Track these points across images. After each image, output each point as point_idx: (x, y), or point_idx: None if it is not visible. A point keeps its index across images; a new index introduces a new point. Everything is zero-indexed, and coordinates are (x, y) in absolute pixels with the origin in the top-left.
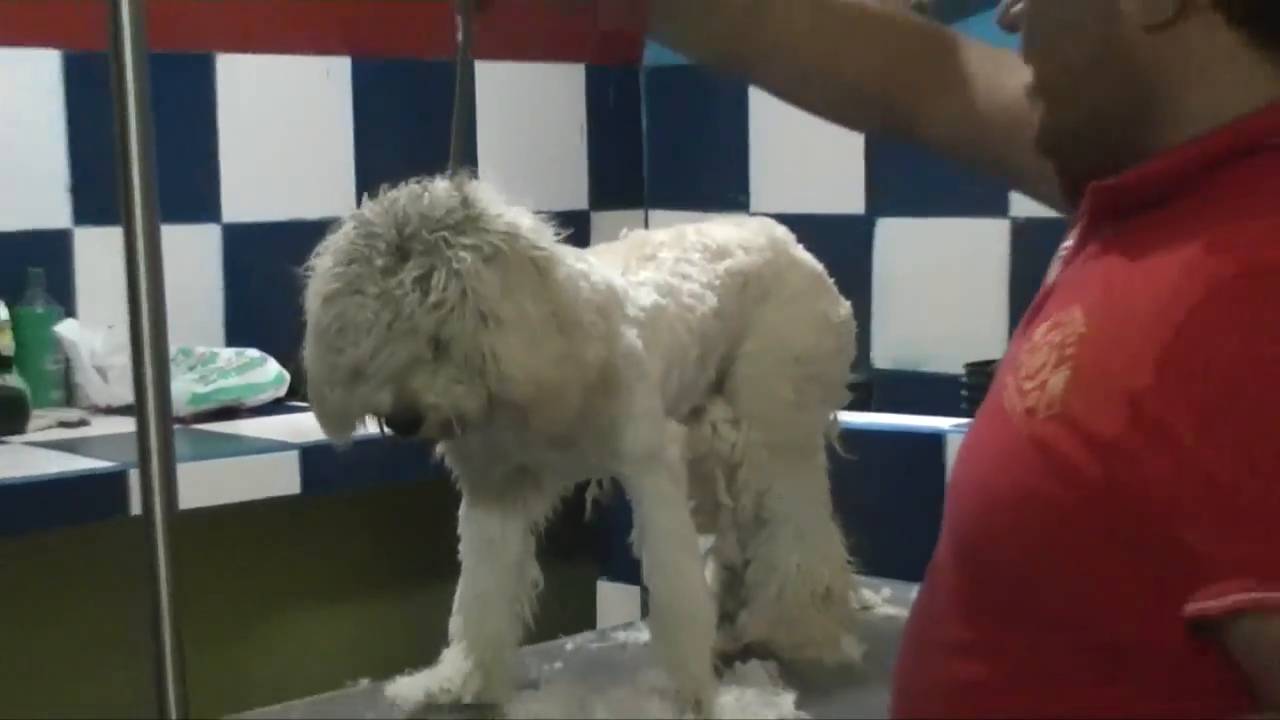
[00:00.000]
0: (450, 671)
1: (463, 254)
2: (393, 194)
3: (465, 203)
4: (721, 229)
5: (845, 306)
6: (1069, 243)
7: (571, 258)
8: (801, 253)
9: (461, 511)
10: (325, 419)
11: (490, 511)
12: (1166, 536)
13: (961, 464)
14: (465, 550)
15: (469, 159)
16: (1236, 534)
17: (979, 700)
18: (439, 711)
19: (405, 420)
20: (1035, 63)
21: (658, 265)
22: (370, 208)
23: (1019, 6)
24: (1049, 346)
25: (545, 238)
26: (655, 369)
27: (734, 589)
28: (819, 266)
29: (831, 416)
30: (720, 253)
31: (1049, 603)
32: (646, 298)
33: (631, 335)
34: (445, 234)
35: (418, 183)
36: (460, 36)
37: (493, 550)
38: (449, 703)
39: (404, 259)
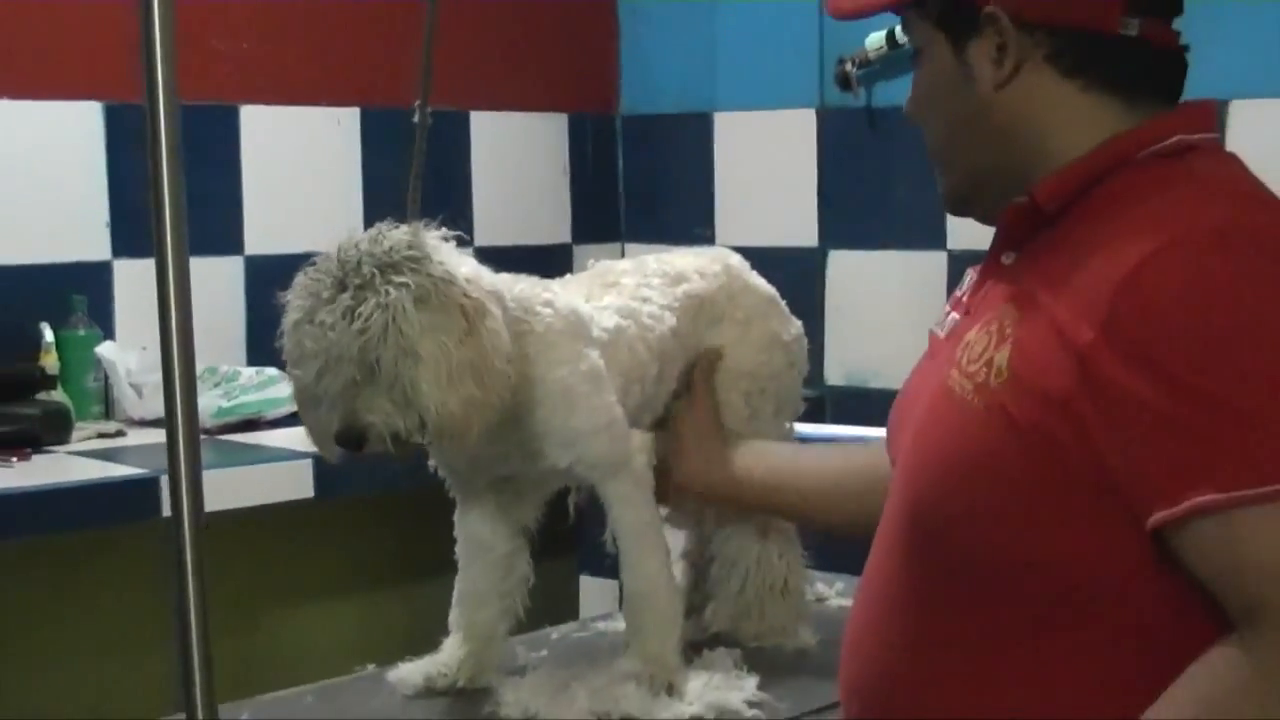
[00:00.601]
0: (447, 658)
1: (393, 290)
2: (355, 235)
3: (410, 245)
4: (680, 258)
5: (796, 326)
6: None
7: (540, 288)
8: (754, 278)
9: (456, 516)
10: (312, 439)
11: (481, 515)
12: (1120, 468)
13: (913, 447)
14: (460, 550)
15: (465, 200)
16: (1186, 454)
17: (931, 681)
18: (436, 694)
19: (350, 438)
20: (926, 140)
21: (619, 291)
22: (333, 246)
23: (910, 99)
24: (987, 335)
25: (479, 288)
26: (617, 384)
27: (700, 585)
28: (771, 290)
29: (788, 426)
30: (678, 278)
31: (1013, 553)
32: (609, 320)
33: (594, 356)
34: (383, 271)
35: (385, 225)
36: (418, 104)
37: (484, 550)
38: (445, 686)
39: (343, 291)
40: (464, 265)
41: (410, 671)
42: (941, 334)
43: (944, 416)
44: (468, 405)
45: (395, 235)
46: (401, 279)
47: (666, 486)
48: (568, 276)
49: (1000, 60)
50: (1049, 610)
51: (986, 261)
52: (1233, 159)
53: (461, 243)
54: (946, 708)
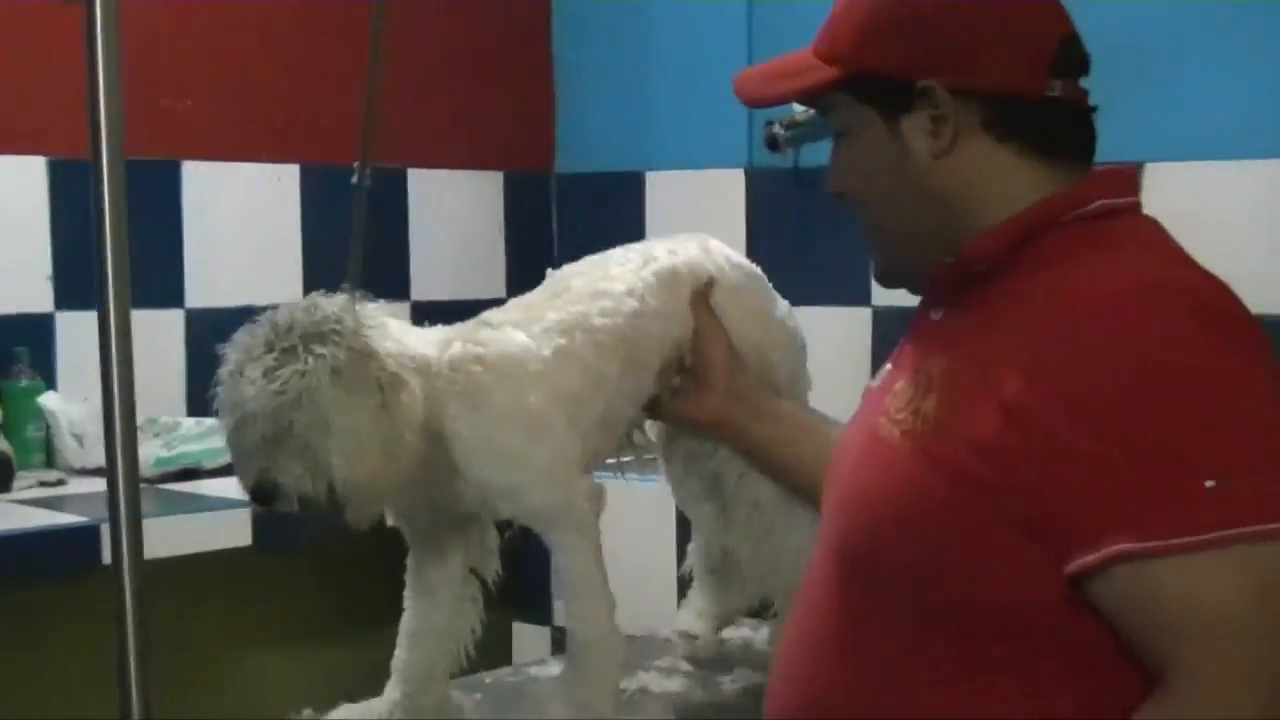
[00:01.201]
0: (383, 703)
1: (312, 360)
2: (297, 300)
3: (338, 318)
4: (651, 243)
5: (784, 304)
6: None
7: (474, 343)
8: (736, 255)
9: (409, 557)
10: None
11: (431, 557)
12: (1045, 514)
13: (842, 488)
14: (407, 591)
15: (403, 255)
16: (1106, 502)
17: (857, 704)
18: None
19: (260, 495)
20: (860, 216)
21: (568, 301)
22: (274, 310)
23: (832, 175)
24: (914, 385)
25: (399, 361)
26: (560, 421)
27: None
28: (756, 268)
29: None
30: (645, 260)
31: (939, 590)
32: (548, 347)
33: (531, 400)
34: (307, 340)
35: (323, 294)
36: (358, 165)
37: (430, 591)
38: None
39: (270, 352)
40: (393, 336)
41: (346, 713)
42: (874, 384)
43: (873, 460)
44: (374, 477)
45: (328, 305)
46: (322, 350)
47: (691, 421)
48: (521, 297)
49: (937, 131)
50: (975, 643)
51: (915, 317)
52: (1151, 223)
53: (398, 297)
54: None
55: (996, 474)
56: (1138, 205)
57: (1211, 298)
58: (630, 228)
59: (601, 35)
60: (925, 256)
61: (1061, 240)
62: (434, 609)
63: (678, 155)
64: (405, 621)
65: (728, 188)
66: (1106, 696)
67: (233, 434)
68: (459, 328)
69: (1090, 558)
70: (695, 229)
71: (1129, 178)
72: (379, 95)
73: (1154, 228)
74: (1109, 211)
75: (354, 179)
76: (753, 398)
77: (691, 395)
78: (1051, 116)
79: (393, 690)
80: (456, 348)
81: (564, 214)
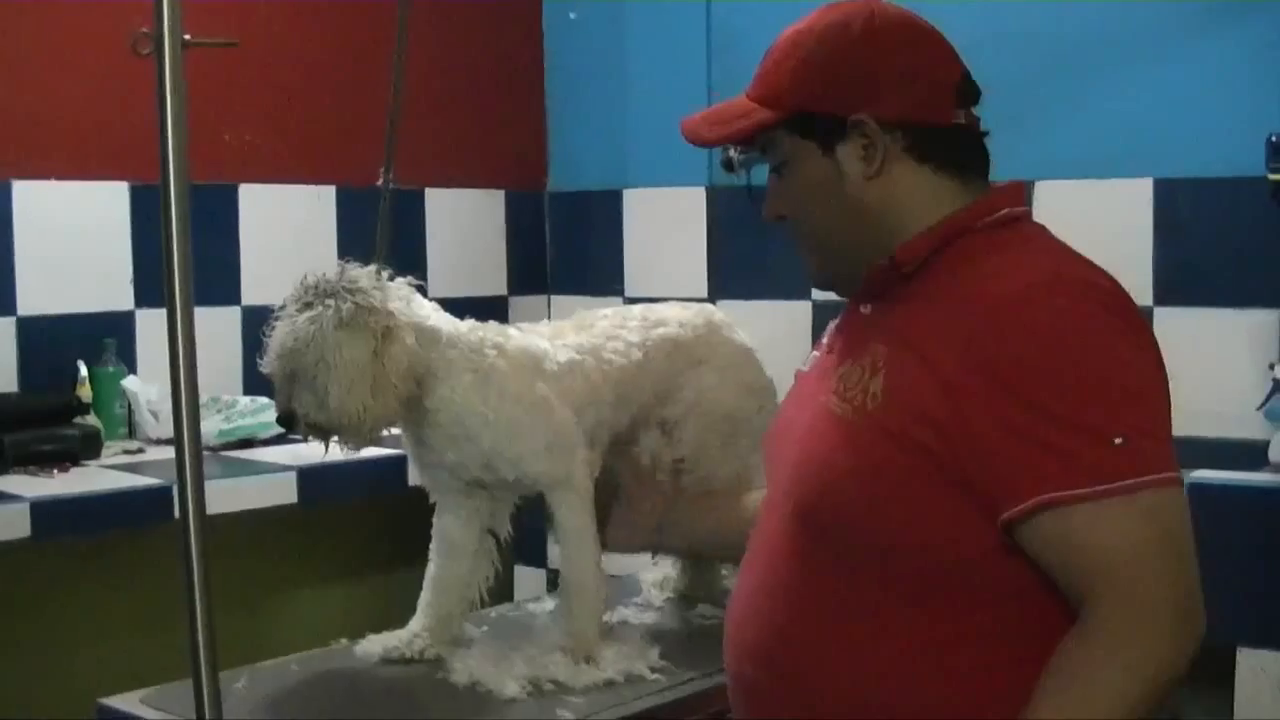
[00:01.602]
0: (404, 634)
1: (322, 310)
2: (340, 266)
3: (353, 279)
4: (667, 308)
5: (767, 377)
6: (832, 326)
7: (497, 333)
8: (734, 332)
9: (434, 517)
10: None
11: (454, 518)
12: (980, 474)
13: (795, 457)
14: (433, 547)
15: (422, 260)
16: (1032, 460)
17: (822, 644)
18: (395, 663)
19: (283, 421)
20: (798, 233)
21: (589, 333)
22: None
23: (773, 203)
24: (861, 368)
25: (398, 320)
26: (566, 411)
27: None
28: (748, 344)
29: (757, 458)
30: (658, 323)
31: (890, 539)
32: (564, 355)
33: (541, 387)
34: (324, 294)
35: (352, 261)
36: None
37: (454, 548)
38: (398, 659)
39: (296, 305)
40: (408, 301)
41: (372, 644)
42: (805, 370)
43: (826, 433)
44: (362, 410)
45: (354, 270)
46: (332, 302)
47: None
48: (552, 321)
49: (868, 157)
50: (920, 587)
51: (845, 312)
52: (1042, 227)
53: (419, 292)
54: (836, 665)
55: (939, 441)
56: (1030, 213)
57: (1106, 288)
58: (611, 236)
59: (586, 73)
60: (857, 263)
61: (974, 243)
62: (455, 562)
63: (650, 175)
64: (430, 571)
65: (691, 202)
66: (1036, 642)
67: (269, 371)
68: (489, 324)
69: (1020, 507)
70: (665, 237)
71: (1021, 190)
72: (401, 124)
73: (1046, 231)
74: (1012, 218)
75: (379, 181)
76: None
77: (624, 527)
78: (958, 140)
79: (415, 624)
80: (481, 333)
81: (555, 225)
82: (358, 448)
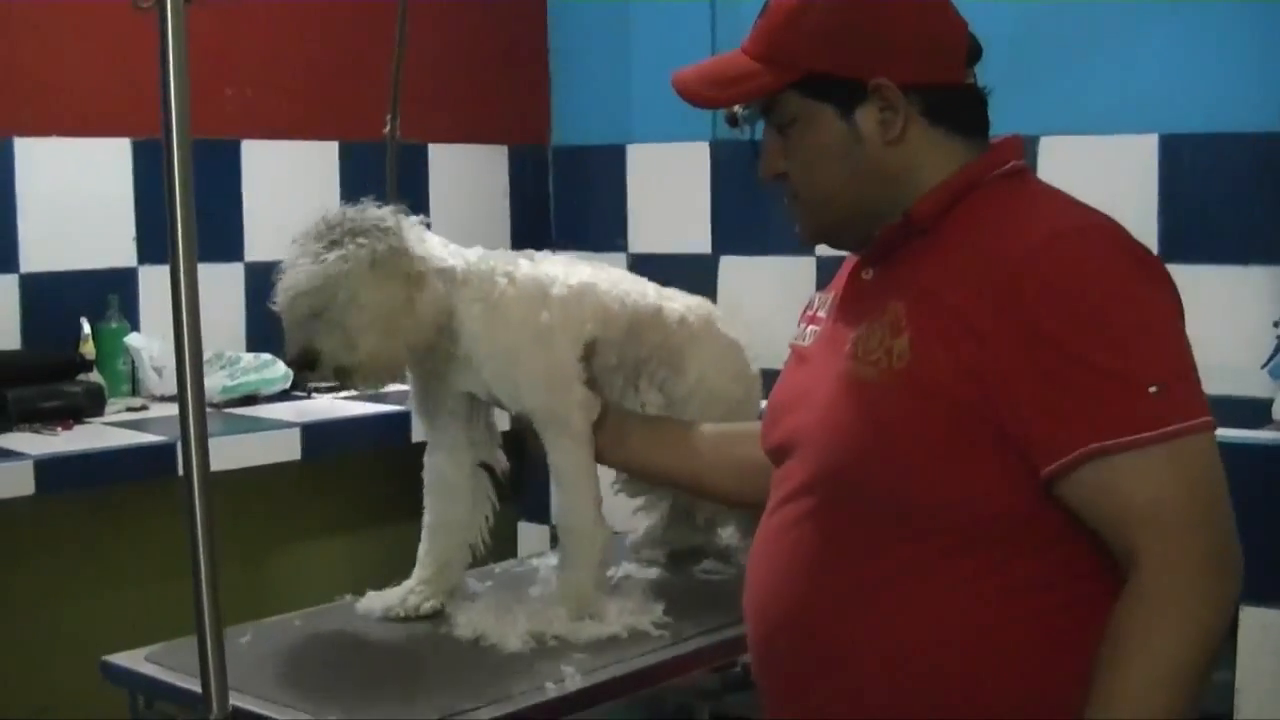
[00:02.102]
0: (400, 591)
1: (354, 248)
2: (350, 205)
3: (380, 218)
4: (678, 294)
5: (755, 370)
6: (820, 297)
7: (506, 262)
8: (727, 326)
9: (425, 456)
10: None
11: (446, 454)
12: (1019, 426)
13: (822, 428)
14: (426, 489)
15: (425, 214)
16: (1070, 411)
17: (848, 613)
18: (395, 620)
19: (303, 362)
20: (799, 191)
21: (608, 272)
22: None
23: (772, 161)
24: (879, 330)
25: (426, 264)
26: (566, 341)
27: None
28: (739, 339)
29: None
30: (669, 297)
31: (927, 496)
32: (575, 278)
33: (545, 317)
34: (353, 234)
35: (373, 199)
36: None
37: (447, 485)
38: (397, 616)
39: (318, 242)
40: (424, 242)
41: (372, 600)
42: (805, 344)
43: (850, 400)
44: (392, 353)
45: (374, 209)
46: (364, 240)
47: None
48: (574, 259)
49: (888, 120)
50: (960, 541)
51: (845, 281)
52: (1038, 179)
53: None
54: (875, 631)
55: (975, 393)
56: (1029, 166)
57: (1125, 237)
58: (615, 192)
59: (589, 28)
60: (865, 223)
61: (986, 195)
62: (450, 504)
63: (653, 130)
64: (426, 518)
65: (695, 158)
66: (1076, 589)
67: (285, 310)
68: (501, 252)
69: (1064, 459)
70: (669, 193)
71: (1020, 144)
72: (404, 80)
73: (1045, 183)
74: (1017, 171)
75: (385, 129)
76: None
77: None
78: (968, 100)
79: (414, 577)
80: (491, 262)
81: (559, 180)
82: (375, 389)
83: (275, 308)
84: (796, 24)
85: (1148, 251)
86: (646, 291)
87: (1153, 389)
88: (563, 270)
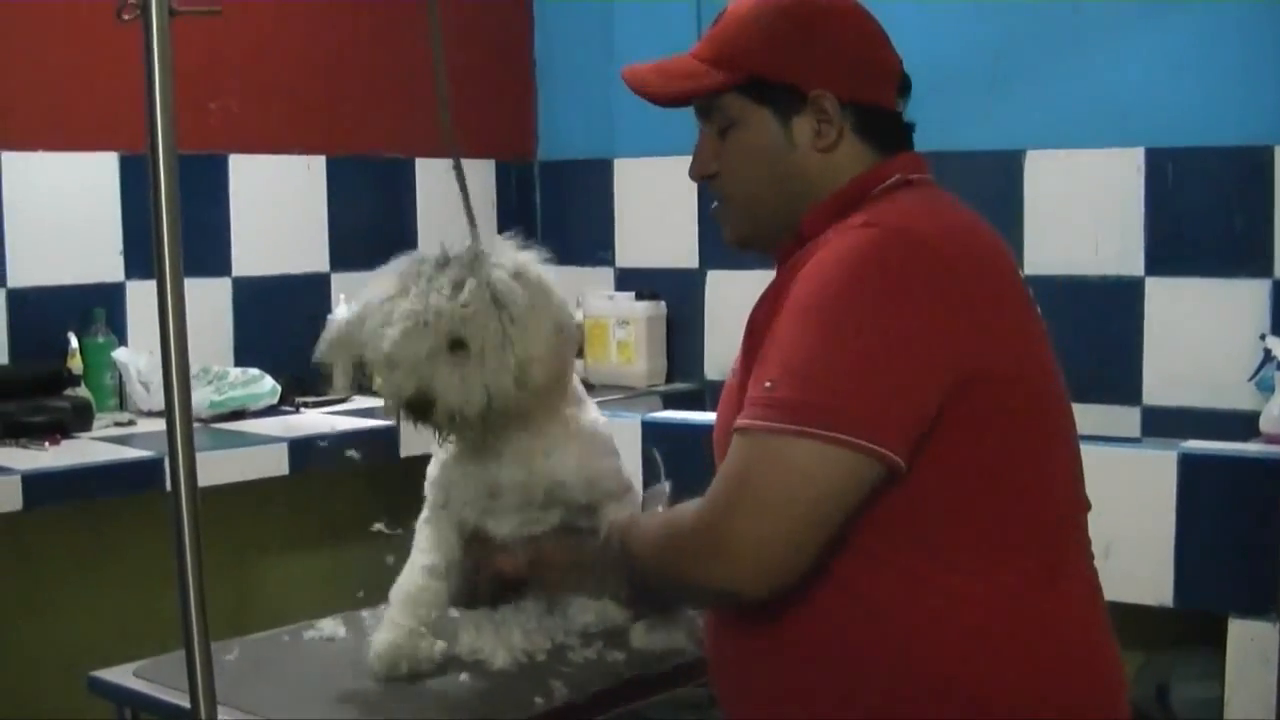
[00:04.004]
0: (411, 634)
1: (495, 270)
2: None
3: (491, 240)
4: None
5: None
6: None
7: None
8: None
9: (428, 511)
10: (383, 400)
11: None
12: None
13: (715, 436)
14: (427, 542)
15: (412, 230)
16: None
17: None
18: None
19: (419, 405)
20: (727, 190)
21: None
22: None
23: (705, 162)
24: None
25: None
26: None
27: None
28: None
29: None
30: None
31: None
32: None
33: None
34: (484, 262)
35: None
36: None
37: (450, 546)
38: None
39: (442, 269)
40: (523, 255)
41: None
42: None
43: (725, 408)
44: (558, 364)
45: (476, 244)
46: (498, 260)
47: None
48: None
49: (823, 131)
50: None
51: (779, 269)
52: (935, 189)
53: None
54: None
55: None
56: (927, 180)
57: (919, 239)
58: (601, 206)
59: (575, 43)
60: (780, 229)
61: (866, 207)
62: (449, 550)
63: (639, 144)
64: (428, 559)
65: (681, 171)
66: (993, 585)
67: (399, 346)
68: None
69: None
70: (655, 206)
71: (919, 159)
72: (390, 94)
73: (931, 192)
74: (904, 183)
75: (453, 165)
76: None
77: None
78: (893, 122)
79: (417, 618)
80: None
81: (545, 194)
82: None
83: (374, 351)
84: (746, 30)
85: (946, 264)
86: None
87: (767, 384)
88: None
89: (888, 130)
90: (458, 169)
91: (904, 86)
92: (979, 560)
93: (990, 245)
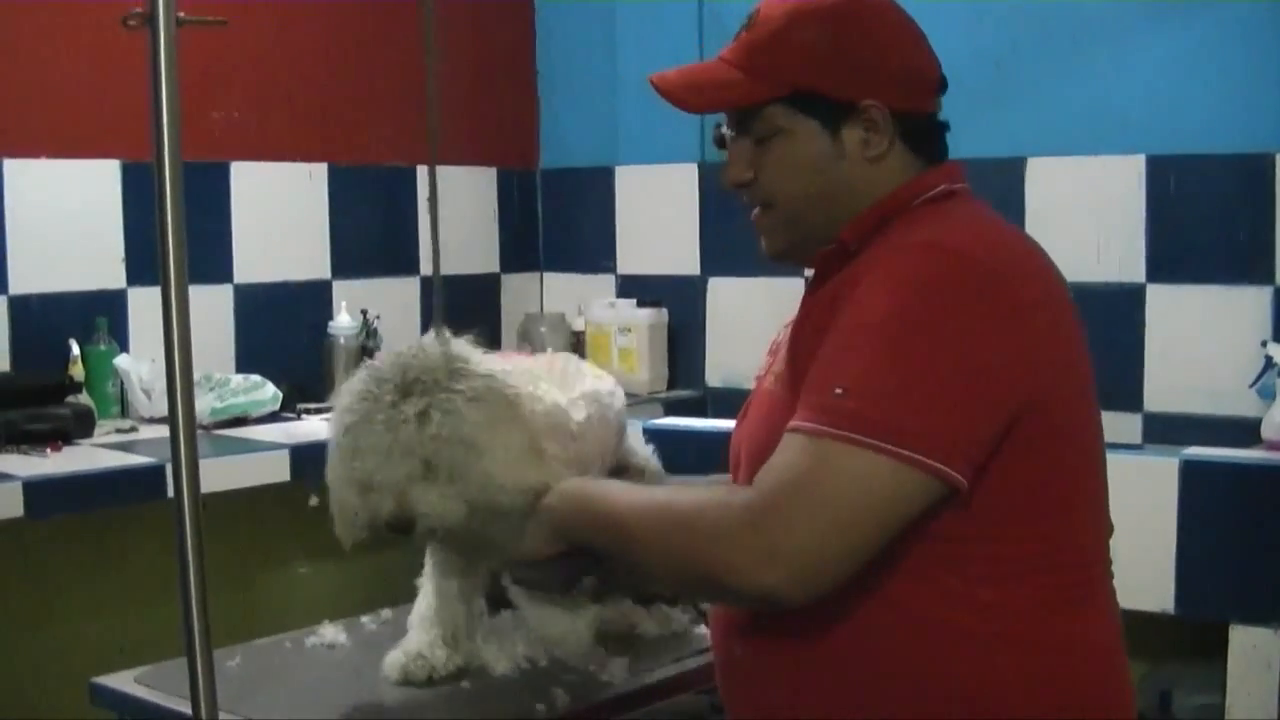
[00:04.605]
0: (423, 647)
1: (454, 396)
2: (396, 351)
3: (449, 357)
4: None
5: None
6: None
7: (530, 387)
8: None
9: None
10: (340, 521)
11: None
12: None
13: (750, 442)
14: (433, 572)
15: (415, 238)
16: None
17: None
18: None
19: (401, 524)
20: (768, 203)
21: (582, 381)
22: (379, 360)
23: (741, 170)
24: (787, 345)
25: (510, 382)
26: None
27: None
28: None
29: None
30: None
31: None
32: (580, 414)
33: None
34: (439, 378)
35: (422, 341)
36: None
37: (456, 565)
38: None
39: (406, 396)
40: (496, 364)
41: (395, 661)
42: (761, 372)
43: (765, 413)
44: (535, 476)
45: (432, 348)
46: (458, 385)
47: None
48: (522, 363)
49: (871, 141)
50: None
51: (813, 279)
52: (974, 203)
53: (409, 273)
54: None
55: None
56: (968, 190)
57: (983, 265)
58: (603, 214)
59: (577, 51)
60: (827, 238)
61: (910, 217)
62: (462, 574)
63: (641, 152)
64: (437, 581)
65: (683, 179)
66: (1011, 595)
67: (375, 472)
68: (519, 373)
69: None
70: (657, 214)
71: (958, 169)
72: (392, 103)
73: (975, 206)
74: (947, 194)
75: (428, 203)
76: None
77: None
78: (934, 127)
79: (431, 635)
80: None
81: (547, 203)
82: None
83: (346, 472)
84: (786, 41)
85: (1004, 284)
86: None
87: (837, 391)
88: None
89: (932, 136)
90: (432, 206)
91: (941, 85)
92: (1013, 579)
93: (1041, 266)
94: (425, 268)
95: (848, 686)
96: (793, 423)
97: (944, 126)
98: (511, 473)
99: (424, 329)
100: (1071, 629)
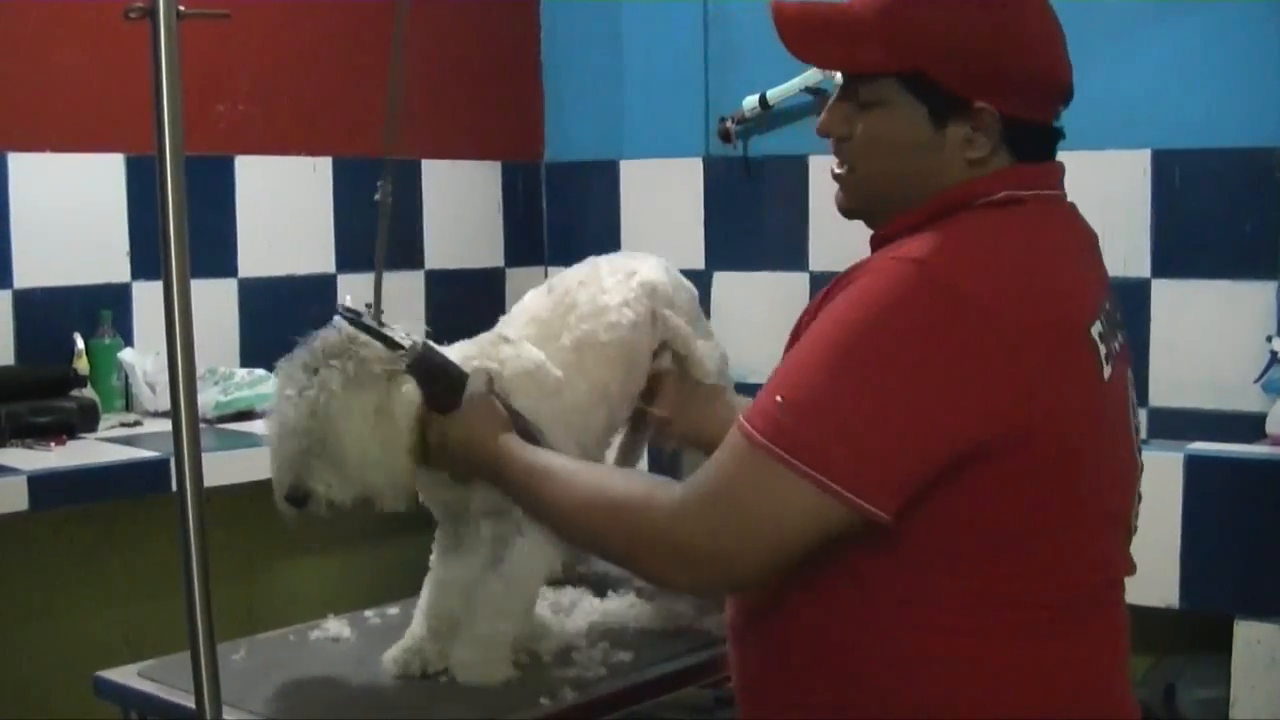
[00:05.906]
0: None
1: (330, 375)
2: (324, 331)
3: (350, 337)
4: (629, 257)
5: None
6: None
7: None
8: (679, 274)
9: (438, 530)
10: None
11: (457, 539)
12: None
13: None
14: (435, 549)
15: (418, 232)
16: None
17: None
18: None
19: (295, 499)
20: (851, 162)
21: (576, 314)
22: (313, 339)
23: (837, 123)
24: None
25: (400, 361)
26: (561, 434)
27: None
28: (691, 285)
29: None
30: (630, 273)
31: None
32: (560, 365)
33: (543, 412)
34: (328, 357)
35: (354, 310)
36: (378, 195)
37: (459, 553)
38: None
39: (313, 375)
40: (396, 334)
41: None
42: None
43: None
44: (393, 475)
45: (348, 327)
46: (335, 363)
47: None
48: (530, 306)
49: (975, 141)
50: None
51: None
52: (1037, 213)
53: (414, 267)
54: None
55: None
56: (1048, 196)
57: (954, 288)
58: (608, 208)
59: (582, 44)
60: (890, 211)
61: (960, 219)
62: (462, 568)
63: (646, 146)
64: (434, 572)
65: (688, 173)
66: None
67: (275, 446)
68: (479, 343)
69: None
70: (662, 208)
71: (1046, 171)
72: (397, 96)
73: (1024, 220)
74: (1012, 200)
75: (376, 196)
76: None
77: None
78: (1048, 138)
79: (425, 629)
80: (476, 364)
81: (552, 196)
82: (397, 508)
83: (269, 444)
84: (931, 18)
85: (981, 307)
86: (620, 301)
87: (779, 398)
88: (543, 352)
89: (1039, 142)
90: (384, 205)
91: (1067, 95)
92: (985, 609)
93: (1057, 292)
94: (431, 262)
95: (823, 699)
96: (741, 416)
97: (1058, 134)
98: (363, 464)
99: (428, 322)
100: (1041, 659)
